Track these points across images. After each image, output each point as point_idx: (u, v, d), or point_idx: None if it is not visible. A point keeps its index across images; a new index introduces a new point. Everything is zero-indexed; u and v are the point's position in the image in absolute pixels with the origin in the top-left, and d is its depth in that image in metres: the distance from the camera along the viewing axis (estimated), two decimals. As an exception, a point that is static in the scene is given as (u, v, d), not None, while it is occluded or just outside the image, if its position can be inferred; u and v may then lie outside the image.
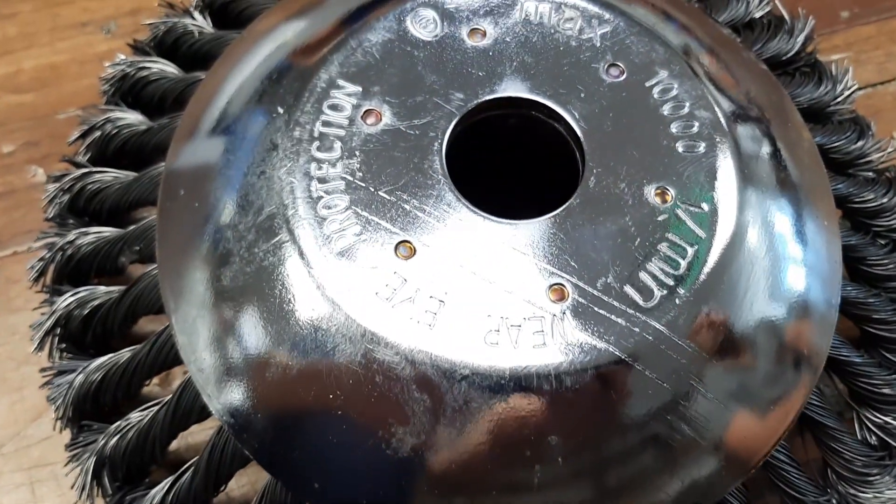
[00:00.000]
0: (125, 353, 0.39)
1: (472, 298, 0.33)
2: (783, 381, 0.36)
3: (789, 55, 0.45)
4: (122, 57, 0.46)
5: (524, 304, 0.33)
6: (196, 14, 0.47)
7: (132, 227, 0.40)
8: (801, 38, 0.46)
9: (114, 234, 0.41)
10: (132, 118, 0.44)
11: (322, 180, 0.35)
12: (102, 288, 0.40)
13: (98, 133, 0.44)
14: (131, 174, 0.42)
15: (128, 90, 0.45)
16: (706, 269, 0.34)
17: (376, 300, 0.33)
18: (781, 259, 0.36)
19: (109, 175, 0.43)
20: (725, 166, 0.36)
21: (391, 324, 0.32)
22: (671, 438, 0.33)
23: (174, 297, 0.36)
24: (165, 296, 0.37)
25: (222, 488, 0.37)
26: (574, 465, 0.32)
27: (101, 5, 0.51)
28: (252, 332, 0.34)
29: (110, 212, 0.42)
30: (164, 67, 0.45)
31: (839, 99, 0.45)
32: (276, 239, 0.34)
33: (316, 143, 0.35)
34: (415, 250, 0.34)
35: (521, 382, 0.32)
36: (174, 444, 0.40)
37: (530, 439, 0.32)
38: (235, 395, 0.34)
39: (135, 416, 0.38)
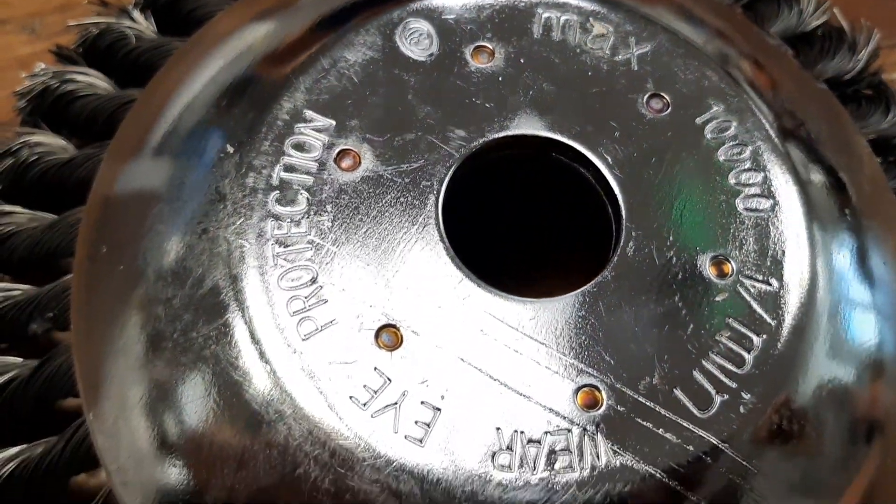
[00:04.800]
0: (38, 446, 0.31)
1: (476, 405, 0.25)
2: (858, 454, 0.28)
3: (851, 75, 0.38)
4: (43, 66, 0.37)
5: (544, 412, 0.25)
6: (136, 13, 0.39)
7: (45, 289, 0.32)
8: (864, 56, 0.38)
9: (23, 296, 0.33)
10: (53, 143, 0.36)
11: (282, 243, 0.27)
12: (11, 359, 0.32)
13: (11, 160, 0.36)
14: (48, 216, 0.34)
15: (49, 107, 0.37)
16: (777, 365, 0.26)
17: (351, 407, 0.25)
18: (852, 320, 0.28)
19: (23, 216, 0.34)
20: (797, 229, 0.28)
21: (370, 439, 0.25)
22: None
23: (92, 388, 0.28)
24: (82, 384, 0.29)
25: None
26: None
27: (24, 0, 0.43)
28: (189, 443, 0.26)
29: (21, 262, 0.34)
30: (93, 81, 0.37)
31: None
32: (220, 321, 0.26)
33: (275, 194, 0.27)
34: (402, 338, 0.26)
35: (540, 523, 0.24)
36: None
37: None
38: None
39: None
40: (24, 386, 0.31)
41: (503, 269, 0.28)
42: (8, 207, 0.35)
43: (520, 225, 0.32)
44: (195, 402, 0.26)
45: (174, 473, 0.26)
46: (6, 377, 0.32)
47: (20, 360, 0.32)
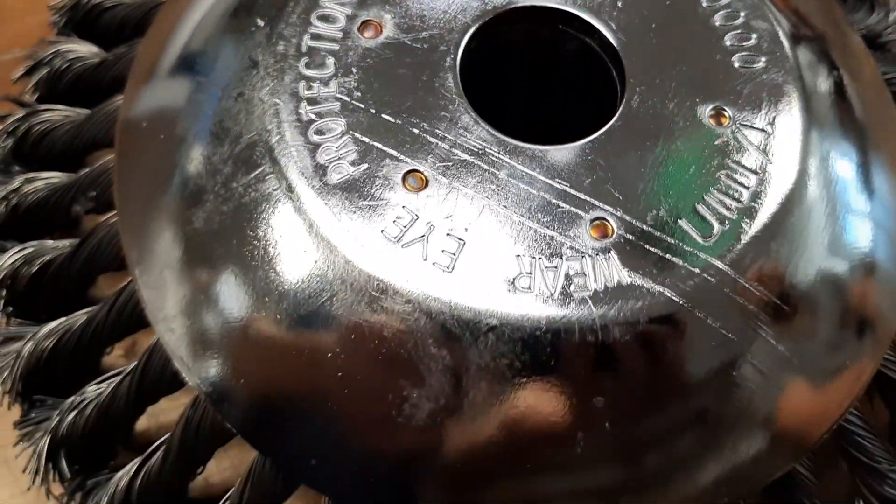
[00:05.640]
0: (81, 316, 0.33)
1: (497, 236, 0.27)
2: (848, 344, 0.30)
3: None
4: (75, -18, 0.40)
5: (560, 242, 0.27)
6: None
7: (86, 171, 0.34)
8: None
9: (65, 180, 0.35)
10: (84, 50, 0.38)
11: (312, 101, 0.29)
12: (53, 242, 0.34)
13: (46, 69, 0.38)
14: (84, 111, 0.36)
15: (81, 20, 0.39)
16: (772, 202, 0.28)
17: (382, 240, 0.27)
18: (846, 206, 0.30)
19: (59, 113, 0.36)
20: (788, 83, 0.30)
21: (401, 267, 0.27)
22: (737, 397, 0.27)
23: (137, 246, 0.30)
24: (127, 245, 0.31)
25: (199, 470, 0.31)
26: (624, 431, 0.27)
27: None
28: (232, 283, 0.28)
29: (61, 156, 0.36)
30: (122, -8, 0.39)
31: (891, 28, 0.40)
32: (259, 171, 0.28)
33: (304, 60, 0.30)
34: (427, 181, 0.28)
35: (560, 334, 0.26)
36: (142, 424, 0.34)
37: (572, 401, 0.26)
38: (214, 358, 0.28)
39: (94, 388, 0.32)
40: (67, 262, 0.34)
41: (518, 128, 0.30)
42: (44, 107, 0.37)
43: (530, 95, 0.35)
44: (236, 245, 0.28)
45: (218, 313, 0.28)
46: (49, 256, 0.34)
47: (62, 241, 0.34)
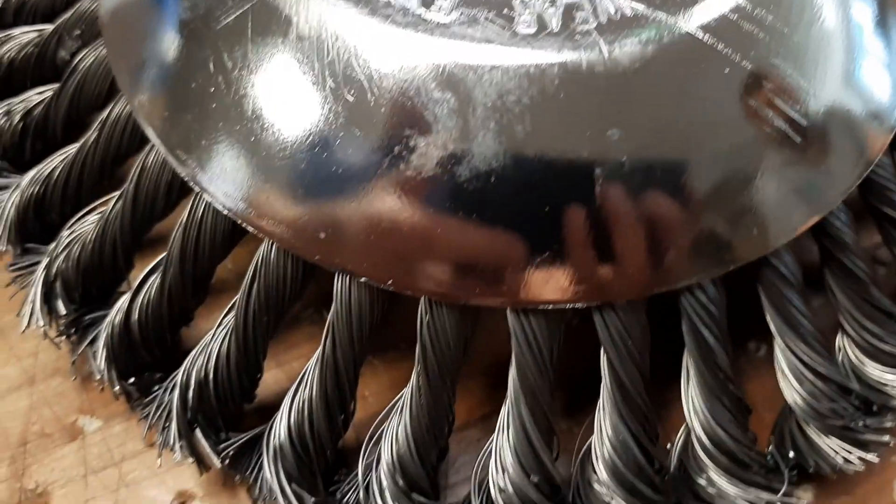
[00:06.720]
0: (69, 151, 0.32)
1: (493, -14, 0.26)
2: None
3: None
4: None
5: (559, -15, 0.26)
6: None
7: (66, 15, 0.34)
8: None
9: (45, 30, 0.34)
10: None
11: None
12: (34, 91, 0.33)
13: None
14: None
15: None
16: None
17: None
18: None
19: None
20: None
21: (397, 21, 0.26)
22: (748, 127, 0.26)
23: (124, 56, 0.29)
24: (114, 59, 0.30)
25: (202, 297, 0.30)
26: (642, 165, 0.25)
27: None
28: (221, 58, 0.27)
29: (45, 20, 0.35)
30: None
31: None
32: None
33: None
34: (414, -58, 0.27)
35: (566, 67, 0.25)
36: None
37: (586, 135, 0.25)
38: (215, 144, 0.27)
39: (86, 220, 0.30)
40: (52, 104, 0.33)
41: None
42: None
43: None
44: (230, 25, 0.27)
45: (215, 95, 0.27)
46: (31, 104, 0.33)
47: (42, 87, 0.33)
